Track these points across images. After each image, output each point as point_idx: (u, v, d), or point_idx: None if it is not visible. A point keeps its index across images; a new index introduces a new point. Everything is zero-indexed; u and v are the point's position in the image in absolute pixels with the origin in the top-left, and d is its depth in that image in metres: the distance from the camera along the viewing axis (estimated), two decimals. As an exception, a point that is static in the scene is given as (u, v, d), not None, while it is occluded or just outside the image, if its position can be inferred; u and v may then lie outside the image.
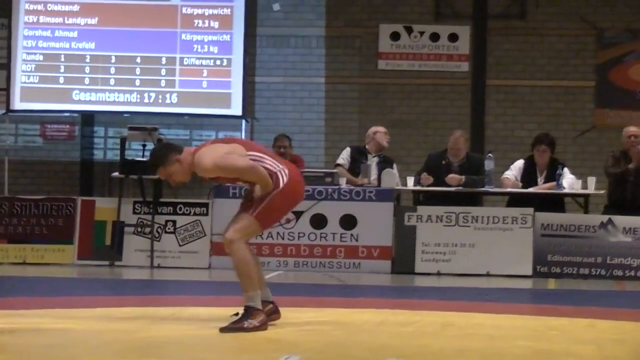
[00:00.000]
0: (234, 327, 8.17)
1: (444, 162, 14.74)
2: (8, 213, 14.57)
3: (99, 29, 17.31)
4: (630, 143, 14.49)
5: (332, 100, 18.98)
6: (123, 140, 15.42)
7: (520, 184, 14.54)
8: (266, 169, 8.51)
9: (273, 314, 8.57)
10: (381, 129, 15.24)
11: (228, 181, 8.88)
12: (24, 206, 14.75)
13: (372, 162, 14.86)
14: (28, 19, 17.44)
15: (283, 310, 9.25)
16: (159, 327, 8.02)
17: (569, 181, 14.40)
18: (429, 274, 13.92)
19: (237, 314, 8.33)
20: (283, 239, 14.23)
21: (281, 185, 8.40)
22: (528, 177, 14.67)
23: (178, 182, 8.52)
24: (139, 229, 14.49)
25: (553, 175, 14.44)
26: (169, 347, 7.72)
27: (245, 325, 8.13)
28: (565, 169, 14.50)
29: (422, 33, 18.73)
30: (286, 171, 8.54)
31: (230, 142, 8.90)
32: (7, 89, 17.49)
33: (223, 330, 8.19)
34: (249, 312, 8.24)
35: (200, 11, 17.40)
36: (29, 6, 17.42)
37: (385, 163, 14.88)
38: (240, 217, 8.45)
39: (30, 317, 9.13)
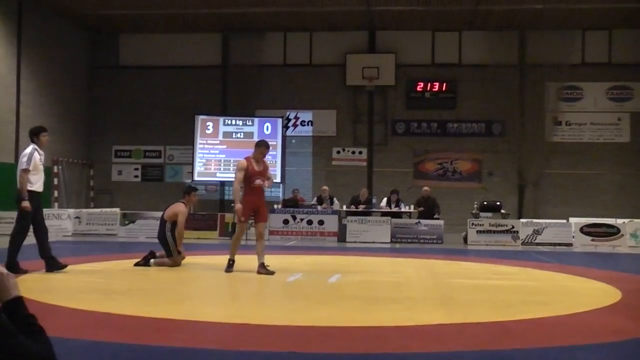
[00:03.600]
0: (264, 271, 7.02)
1: (359, 199, 14.85)
2: (194, 219, 14.46)
3: (227, 149, 17.30)
4: (422, 194, 14.68)
5: (315, 176, 18.54)
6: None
7: (387, 208, 14.65)
8: (249, 185, 7.06)
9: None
10: (326, 188, 15.33)
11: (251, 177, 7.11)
12: (200, 217, 14.32)
13: (327, 199, 14.95)
14: (200, 145, 17.42)
15: (294, 257, 9.33)
16: (243, 264, 7.66)
17: (403, 207, 14.50)
18: (352, 242, 13.85)
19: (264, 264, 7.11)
20: (296, 229, 14.26)
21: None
22: (388, 205, 14.65)
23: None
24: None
25: (397, 204, 14.52)
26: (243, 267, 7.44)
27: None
28: (402, 203, 14.72)
29: (349, 151, 18.68)
30: (249, 190, 7.10)
31: (244, 165, 7.18)
32: (192, 172, 17.48)
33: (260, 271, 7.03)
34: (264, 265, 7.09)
35: (265, 144, 17.42)
36: (200, 140, 17.35)
37: (332, 199, 14.97)
38: (260, 225, 7.18)
39: (199, 258, 9.13)
